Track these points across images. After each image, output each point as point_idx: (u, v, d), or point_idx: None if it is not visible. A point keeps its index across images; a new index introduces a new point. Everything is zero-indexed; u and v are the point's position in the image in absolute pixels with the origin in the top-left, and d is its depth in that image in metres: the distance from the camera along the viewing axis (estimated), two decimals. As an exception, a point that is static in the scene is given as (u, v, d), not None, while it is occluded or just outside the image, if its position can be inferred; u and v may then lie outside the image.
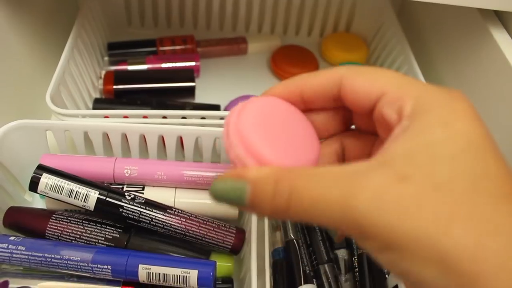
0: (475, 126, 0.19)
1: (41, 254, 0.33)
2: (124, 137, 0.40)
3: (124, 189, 0.38)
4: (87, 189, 0.35)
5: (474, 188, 0.18)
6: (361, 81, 0.23)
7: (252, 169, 0.21)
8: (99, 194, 0.35)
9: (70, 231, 0.36)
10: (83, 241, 0.36)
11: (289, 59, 0.58)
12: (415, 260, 0.17)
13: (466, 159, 0.18)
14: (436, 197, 0.17)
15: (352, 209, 0.18)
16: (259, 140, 0.22)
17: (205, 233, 0.36)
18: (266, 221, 0.36)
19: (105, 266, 0.33)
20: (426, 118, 0.19)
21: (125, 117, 0.41)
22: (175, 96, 0.53)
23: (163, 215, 0.36)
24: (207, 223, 0.37)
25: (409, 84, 0.21)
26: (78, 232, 0.36)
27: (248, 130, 0.22)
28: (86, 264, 0.33)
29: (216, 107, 0.51)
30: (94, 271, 0.33)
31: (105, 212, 0.35)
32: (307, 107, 0.26)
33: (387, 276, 0.36)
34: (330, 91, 0.24)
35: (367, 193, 0.18)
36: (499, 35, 0.41)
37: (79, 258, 0.33)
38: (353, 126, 0.27)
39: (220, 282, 0.36)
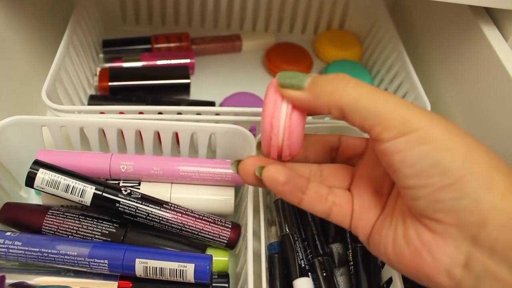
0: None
1: (37, 249, 0.34)
2: (120, 133, 0.40)
3: (120, 185, 0.38)
4: (84, 184, 0.35)
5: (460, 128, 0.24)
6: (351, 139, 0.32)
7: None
8: (96, 189, 0.35)
9: (66, 226, 0.36)
10: (80, 236, 0.36)
11: (283, 57, 0.58)
12: (447, 150, 0.22)
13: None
14: None
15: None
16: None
17: (201, 227, 0.37)
18: (262, 216, 0.36)
19: (102, 261, 0.33)
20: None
21: (121, 113, 0.41)
22: (170, 93, 0.53)
23: (159, 210, 0.36)
24: (203, 218, 0.37)
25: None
26: (74, 228, 0.36)
27: None
28: (83, 259, 0.33)
29: (211, 104, 0.52)
30: (91, 266, 0.33)
31: (101, 207, 0.36)
32: None
33: (381, 269, 0.37)
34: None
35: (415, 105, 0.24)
36: (490, 32, 0.42)
37: (76, 253, 0.33)
38: None
39: (216, 277, 0.36)
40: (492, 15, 0.43)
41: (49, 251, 0.33)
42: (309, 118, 0.41)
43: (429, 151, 0.22)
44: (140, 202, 0.36)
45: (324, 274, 0.36)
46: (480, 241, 0.22)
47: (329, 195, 0.29)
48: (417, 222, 0.24)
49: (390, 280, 0.35)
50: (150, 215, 0.36)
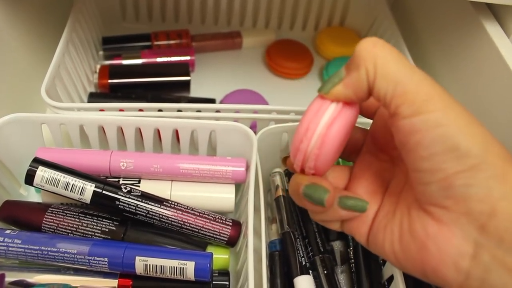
0: None
1: (37, 247, 0.33)
2: (120, 130, 0.40)
3: (120, 182, 0.38)
4: (83, 182, 0.35)
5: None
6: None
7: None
8: (95, 187, 0.35)
9: (66, 224, 0.36)
10: (80, 234, 0.36)
11: (284, 53, 0.58)
12: (465, 134, 0.22)
13: None
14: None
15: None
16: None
17: (202, 225, 0.37)
18: (262, 214, 0.36)
19: (102, 259, 0.33)
20: None
21: (121, 110, 0.40)
22: (170, 90, 0.53)
23: (160, 207, 0.36)
24: (203, 215, 0.37)
25: None
26: (74, 225, 0.36)
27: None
28: (83, 257, 0.33)
29: (211, 101, 0.52)
30: (91, 264, 0.33)
31: (101, 205, 0.35)
32: None
33: (382, 267, 0.37)
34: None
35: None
36: (492, 28, 0.41)
37: (75, 251, 0.33)
38: None
39: (216, 275, 0.36)
40: (494, 11, 0.43)
41: (49, 249, 0.33)
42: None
43: (448, 133, 0.22)
44: (140, 200, 0.36)
45: (325, 272, 0.36)
46: (489, 230, 0.22)
47: None
48: (423, 213, 0.24)
49: (391, 278, 0.34)
50: (150, 212, 0.36)
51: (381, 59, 0.24)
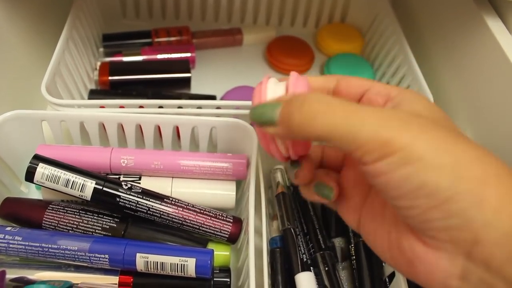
0: (438, 107, 0.27)
1: (38, 244, 0.33)
2: (120, 127, 0.40)
3: (121, 179, 0.38)
4: (84, 179, 0.35)
5: (451, 132, 0.23)
6: (354, 79, 0.30)
7: (288, 95, 0.27)
8: (96, 184, 0.35)
9: (67, 221, 0.36)
10: (80, 231, 0.36)
11: (285, 50, 0.58)
12: (432, 169, 0.21)
13: (439, 118, 0.26)
14: (442, 126, 0.23)
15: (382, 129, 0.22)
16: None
17: (202, 222, 0.37)
18: (263, 210, 0.36)
19: (103, 256, 0.33)
20: (410, 97, 0.27)
21: (121, 107, 0.40)
22: (170, 87, 0.53)
23: (160, 204, 0.36)
24: (204, 212, 0.37)
25: (391, 85, 0.29)
26: (75, 222, 0.36)
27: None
28: (84, 254, 0.33)
29: (212, 98, 0.51)
30: (91, 261, 0.33)
31: (102, 202, 0.35)
32: None
33: (383, 263, 0.36)
34: (329, 85, 0.30)
35: (395, 117, 0.23)
36: (493, 24, 0.41)
37: (76, 248, 0.33)
38: None
39: (217, 271, 0.36)
40: (496, 6, 0.43)
41: (50, 246, 0.33)
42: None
43: (413, 172, 0.21)
44: (141, 197, 0.36)
45: (326, 269, 0.36)
46: (475, 256, 0.21)
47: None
48: (410, 234, 0.24)
49: (392, 275, 0.34)
50: (151, 209, 0.36)
51: (322, 134, 0.23)
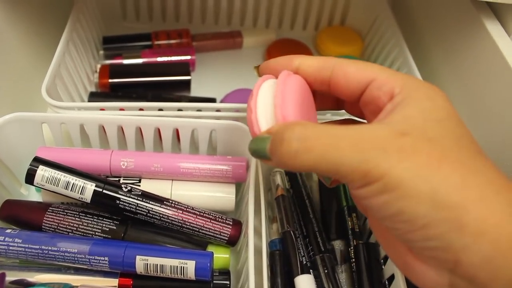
0: (449, 104, 0.25)
1: (38, 247, 0.33)
2: (120, 129, 0.40)
3: (121, 182, 0.38)
4: (84, 181, 0.35)
5: (457, 144, 0.23)
6: (352, 69, 0.27)
7: (275, 126, 0.26)
8: (96, 186, 0.35)
9: (66, 223, 0.36)
10: (80, 233, 0.36)
11: (284, 53, 0.56)
12: (409, 197, 0.21)
13: (449, 124, 0.24)
14: (429, 146, 0.22)
15: (363, 157, 0.22)
16: (293, 110, 0.26)
17: (202, 224, 0.37)
18: (263, 213, 0.36)
19: (103, 258, 0.33)
20: (414, 95, 0.24)
21: (121, 109, 0.40)
22: (170, 90, 0.53)
23: (160, 207, 0.36)
24: (204, 215, 0.37)
25: (395, 73, 0.26)
26: (75, 225, 0.36)
27: (291, 106, 0.27)
28: (83, 256, 0.33)
29: (211, 101, 0.52)
30: (91, 263, 0.33)
31: (102, 204, 0.35)
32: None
33: (383, 266, 0.36)
34: (323, 74, 0.28)
35: (374, 144, 0.22)
36: (492, 27, 0.41)
37: (76, 250, 0.33)
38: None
39: (217, 274, 0.36)
40: (495, 10, 0.43)
41: (50, 248, 0.33)
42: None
43: (391, 200, 0.21)
44: (141, 199, 0.36)
45: (326, 271, 0.36)
46: (459, 274, 0.21)
47: None
48: (401, 244, 0.24)
49: (392, 277, 0.34)
50: (150, 212, 0.36)
51: (308, 168, 0.24)
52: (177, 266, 0.33)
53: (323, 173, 0.24)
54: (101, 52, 0.55)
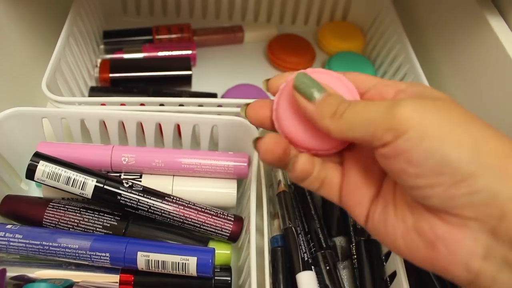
0: (449, 100, 0.26)
1: (38, 242, 0.33)
2: (121, 124, 0.40)
3: (122, 177, 0.38)
4: (85, 176, 0.35)
5: (466, 113, 0.23)
6: (360, 75, 0.29)
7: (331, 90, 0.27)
8: (97, 181, 0.35)
9: (67, 219, 0.36)
10: (81, 229, 0.36)
11: (286, 48, 0.58)
12: (452, 144, 0.21)
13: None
14: (455, 105, 0.24)
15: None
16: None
17: (203, 220, 0.36)
18: (265, 209, 0.36)
19: (104, 254, 0.33)
20: (420, 91, 0.26)
21: (122, 104, 0.40)
22: (171, 85, 0.52)
23: (161, 202, 0.36)
24: (205, 210, 0.37)
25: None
26: (75, 220, 0.36)
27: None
28: (84, 252, 0.33)
29: (213, 96, 0.51)
30: (92, 259, 0.33)
31: (103, 200, 0.35)
32: None
33: (384, 263, 0.36)
34: None
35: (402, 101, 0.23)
36: (496, 23, 0.41)
37: (77, 246, 0.33)
38: None
39: (218, 270, 0.36)
40: (498, 5, 0.43)
41: (50, 244, 0.33)
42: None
43: (435, 147, 0.21)
44: (142, 195, 0.36)
45: (327, 268, 0.36)
46: (500, 233, 0.21)
47: (320, 169, 0.28)
48: (430, 215, 0.23)
49: (394, 274, 0.34)
50: (152, 207, 0.36)
51: (345, 125, 0.24)
52: (178, 262, 0.33)
53: (357, 130, 0.24)
54: (102, 46, 0.55)
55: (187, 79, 0.52)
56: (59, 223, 0.36)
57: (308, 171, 0.28)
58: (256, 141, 0.29)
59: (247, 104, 0.30)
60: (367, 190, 0.27)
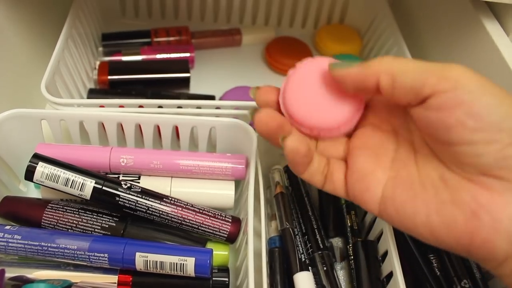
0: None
1: (37, 243, 0.33)
2: (120, 126, 0.40)
3: (120, 178, 0.38)
4: (84, 178, 0.35)
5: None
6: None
7: None
8: (96, 183, 0.35)
9: (66, 220, 0.36)
10: (80, 230, 0.36)
11: (283, 51, 0.58)
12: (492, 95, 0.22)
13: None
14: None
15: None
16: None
17: (201, 221, 0.37)
18: (262, 210, 0.36)
19: (102, 255, 0.33)
20: None
21: (121, 106, 0.40)
22: (170, 87, 0.53)
23: (159, 204, 0.36)
24: (203, 212, 0.37)
25: None
26: (74, 221, 0.36)
27: None
28: (83, 253, 0.33)
29: (211, 98, 0.52)
30: (91, 260, 0.33)
31: (101, 201, 0.35)
32: None
33: (381, 264, 0.37)
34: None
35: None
36: (491, 27, 0.41)
37: (76, 247, 0.33)
38: None
39: (216, 271, 0.36)
40: (494, 9, 0.43)
41: (49, 245, 0.33)
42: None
43: (497, 104, 0.21)
44: (140, 196, 0.36)
45: (325, 269, 0.36)
46: None
47: (325, 166, 0.29)
48: (469, 183, 0.23)
49: (390, 274, 0.35)
50: (150, 209, 0.36)
51: (398, 67, 0.25)
52: (176, 263, 0.33)
53: (411, 74, 0.24)
54: (100, 49, 0.55)
55: (185, 82, 0.53)
56: (57, 224, 0.36)
57: (298, 148, 0.28)
58: (254, 112, 0.29)
59: (257, 88, 0.32)
60: (380, 173, 0.27)
